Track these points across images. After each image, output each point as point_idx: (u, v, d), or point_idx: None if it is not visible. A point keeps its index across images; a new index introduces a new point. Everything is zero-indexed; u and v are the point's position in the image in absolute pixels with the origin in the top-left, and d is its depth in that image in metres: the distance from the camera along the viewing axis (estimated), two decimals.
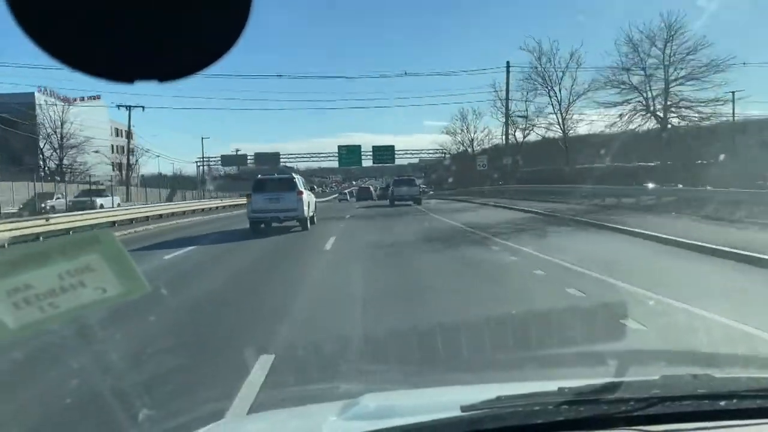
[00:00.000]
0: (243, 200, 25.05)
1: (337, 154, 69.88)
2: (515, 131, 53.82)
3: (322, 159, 76.08)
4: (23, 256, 0.77)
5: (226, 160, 75.24)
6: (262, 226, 19.06)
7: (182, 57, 0.74)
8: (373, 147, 69.64)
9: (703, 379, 1.71)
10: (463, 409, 1.49)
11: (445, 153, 77.97)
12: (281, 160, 69.20)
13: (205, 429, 1.92)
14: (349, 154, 69.16)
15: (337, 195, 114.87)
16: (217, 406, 3.76)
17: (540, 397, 1.57)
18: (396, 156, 72.69)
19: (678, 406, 1.50)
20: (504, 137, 51.72)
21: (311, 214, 20.71)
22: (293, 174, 21.76)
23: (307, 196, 20.11)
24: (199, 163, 75.33)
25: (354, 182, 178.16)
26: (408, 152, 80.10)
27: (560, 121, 48.18)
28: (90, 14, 0.68)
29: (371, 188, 69.46)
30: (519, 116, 52.78)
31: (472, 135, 70.95)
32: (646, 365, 4.41)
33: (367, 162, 74.11)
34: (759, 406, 1.53)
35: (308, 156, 77.55)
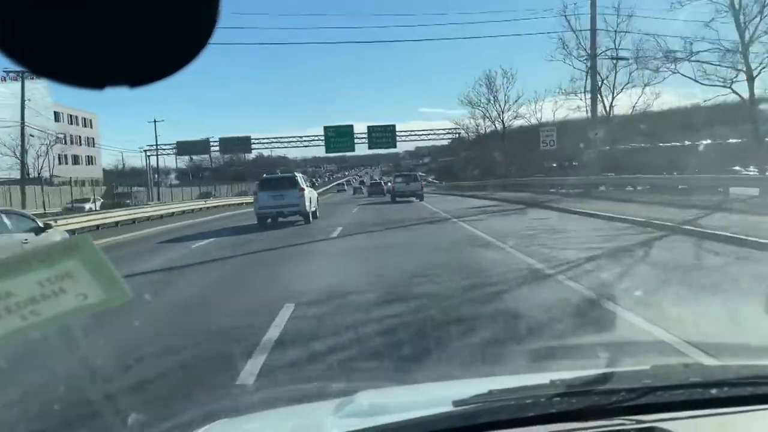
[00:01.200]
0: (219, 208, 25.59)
1: (323, 138, 56.31)
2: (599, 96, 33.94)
3: (305, 144, 61.39)
4: (1, 265, 0.76)
5: (183, 147, 59.23)
6: (269, 221, 21.27)
7: (153, 62, 0.74)
8: (369, 128, 56.89)
9: (694, 367, 1.72)
10: (455, 404, 1.49)
11: (460, 132, 63.53)
12: (253, 145, 59.89)
13: (206, 426, 1.92)
14: (339, 137, 55.85)
15: (334, 185, 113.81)
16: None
17: (532, 390, 1.57)
18: (398, 138, 58.93)
19: (670, 395, 1.51)
20: (591, 96, 31.44)
21: (313, 209, 22.67)
22: (295, 173, 24.04)
23: (309, 193, 22.25)
24: (149, 152, 59.35)
25: (347, 172, 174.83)
26: (413, 134, 64.29)
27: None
28: (58, 20, 0.68)
29: (383, 183, 61.48)
30: (615, 58, 35.73)
31: (502, 106, 53.87)
32: (637, 355, 4.44)
33: (361, 147, 63.88)
34: (750, 393, 1.54)
35: (287, 141, 62.25)
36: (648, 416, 1.45)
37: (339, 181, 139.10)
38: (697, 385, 1.55)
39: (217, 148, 59.45)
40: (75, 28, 0.68)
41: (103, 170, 78.83)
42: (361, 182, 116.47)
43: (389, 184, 68.63)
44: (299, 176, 22.96)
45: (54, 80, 0.71)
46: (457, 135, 64.74)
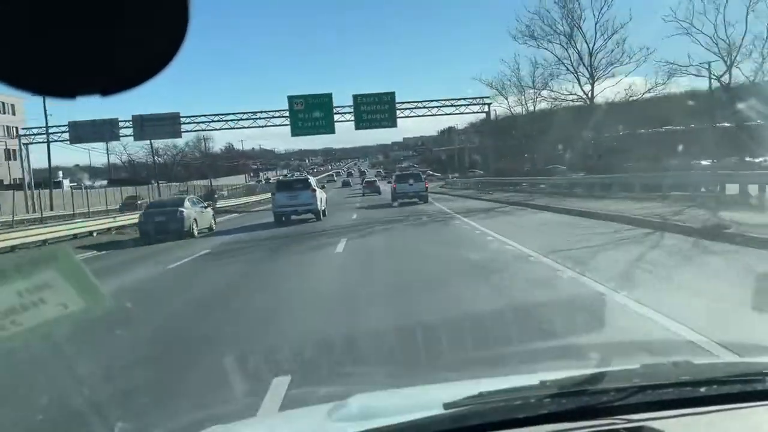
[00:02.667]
0: None
1: (288, 113, 39.66)
2: None
3: (263, 122, 43.38)
4: None
5: (76, 129, 41.77)
6: (283, 219, 23.59)
7: (123, 70, 0.74)
8: (356, 98, 40.41)
9: (682, 366, 1.72)
10: (446, 406, 1.49)
11: (489, 104, 44.77)
12: (182, 124, 42.65)
13: None
14: (310, 111, 39.04)
15: (324, 176, 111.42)
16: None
17: (522, 391, 1.57)
18: (399, 113, 41.94)
19: (659, 394, 1.51)
20: None
21: (323, 207, 25.35)
22: (308, 176, 30.10)
23: (320, 193, 25.26)
24: (29, 137, 44.68)
25: (330, 165, 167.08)
26: (421, 105, 44.64)
27: None
28: (28, 31, 0.67)
29: (377, 181, 57.42)
30: None
31: (591, 49, 34.57)
32: (627, 355, 4.45)
33: (346, 127, 51.80)
34: (739, 391, 1.54)
35: (234, 118, 43.40)
36: (638, 415, 1.45)
37: (328, 173, 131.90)
38: (686, 384, 1.55)
39: (131, 125, 41.70)
40: (42, 37, 0.67)
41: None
42: (349, 174, 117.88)
43: (383, 180, 65.26)
44: (311, 179, 26.61)
45: (24, 90, 0.71)
46: (485, 108, 45.44)
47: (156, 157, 71.72)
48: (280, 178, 26.77)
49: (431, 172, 75.40)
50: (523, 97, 42.58)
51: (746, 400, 1.52)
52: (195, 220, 21.33)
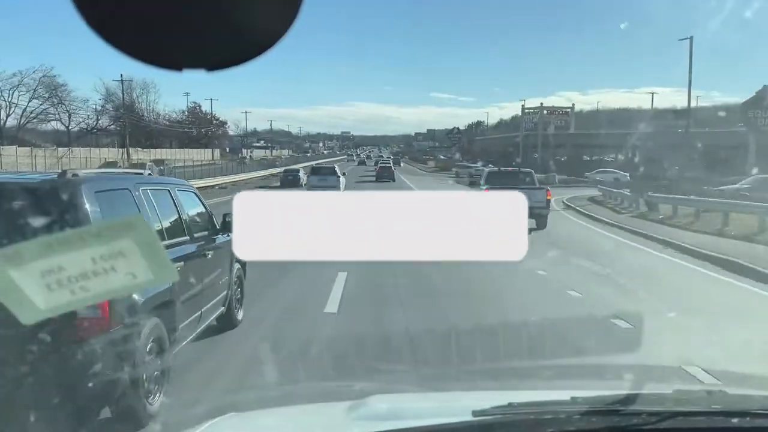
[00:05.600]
0: None
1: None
2: None
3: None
4: (58, 239, 0.80)
5: None
6: None
7: (231, 47, 0.75)
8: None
9: (716, 395, 1.70)
10: (475, 414, 1.50)
11: None
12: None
13: (216, 419, 1.95)
14: None
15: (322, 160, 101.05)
16: None
17: (552, 405, 1.57)
18: None
19: (691, 422, 1.50)
20: None
21: (343, 188, 32.41)
22: (335, 165, 37.45)
23: (342, 179, 32.77)
24: None
25: (350, 151, 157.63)
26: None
27: None
28: (143, 3, 0.70)
29: (392, 167, 51.67)
30: None
31: None
32: (660, 380, 4.38)
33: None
34: None
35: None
36: None
37: (339, 158, 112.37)
38: (719, 413, 1.54)
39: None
40: (156, 9, 0.70)
41: None
42: (368, 157, 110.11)
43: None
44: (336, 167, 34.86)
45: (136, 59, 0.74)
46: None
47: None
48: (314, 164, 36.82)
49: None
50: None
51: None
52: None
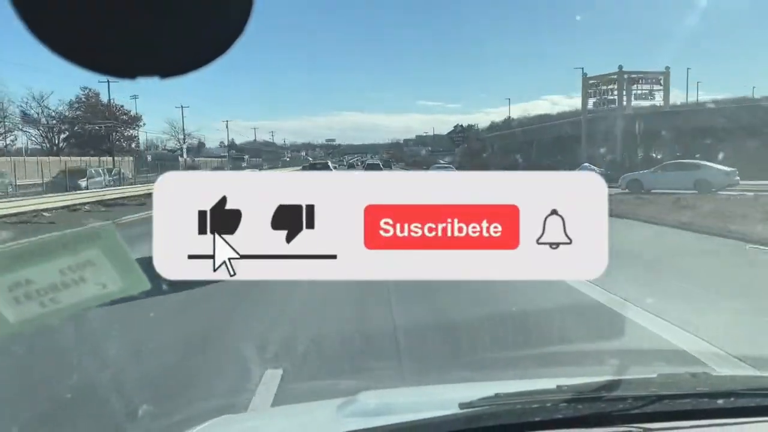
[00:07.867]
0: None
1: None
2: None
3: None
4: (25, 251, 0.77)
5: None
6: None
7: (184, 53, 0.74)
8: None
9: (701, 377, 1.71)
10: (462, 406, 1.50)
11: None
12: None
13: (205, 425, 1.93)
14: None
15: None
16: None
17: (538, 394, 1.57)
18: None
19: (676, 404, 1.51)
20: None
21: None
22: (328, 161, 43.45)
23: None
24: None
25: (334, 159, 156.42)
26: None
27: None
28: (92, 11, 0.68)
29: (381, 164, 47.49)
30: None
31: None
32: (645, 363, 4.42)
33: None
34: (757, 405, 1.53)
35: None
36: (654, 424, 1.45)
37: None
38: (704, 395, 1.55)
39: None
40: (106, 16, 0.68)
41: None
42: (359, 162, 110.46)
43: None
44: (330, 162, 40.75)
45: (87, 68, 0.72)
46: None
47: None
48: (310, 160, 49.08)
49: None
50: None
51: (763, 415, 1.51)
52: None
